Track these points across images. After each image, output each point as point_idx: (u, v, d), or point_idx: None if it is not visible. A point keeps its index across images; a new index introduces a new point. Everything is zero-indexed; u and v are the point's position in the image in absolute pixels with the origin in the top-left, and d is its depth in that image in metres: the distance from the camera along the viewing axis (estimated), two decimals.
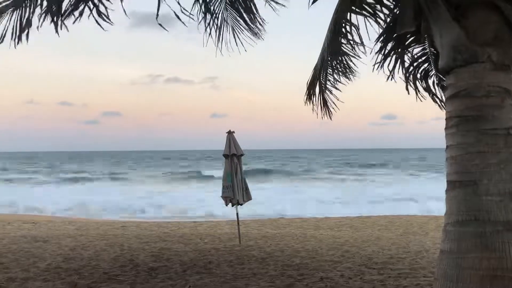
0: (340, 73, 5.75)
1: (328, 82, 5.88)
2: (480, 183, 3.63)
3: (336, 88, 5.88)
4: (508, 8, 3.67)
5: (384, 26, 5.11)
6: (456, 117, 3.79)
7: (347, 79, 5.78)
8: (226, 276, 7.21)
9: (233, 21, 6.58)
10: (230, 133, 10.57)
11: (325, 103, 6.01)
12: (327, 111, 6.09)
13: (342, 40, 5.26)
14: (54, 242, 10.60)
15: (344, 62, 5.59)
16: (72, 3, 5.08)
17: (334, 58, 5.54)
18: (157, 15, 4.94)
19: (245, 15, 6.48)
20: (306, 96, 6.02)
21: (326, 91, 5.94)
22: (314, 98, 6.01)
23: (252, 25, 6.51)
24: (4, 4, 5.14)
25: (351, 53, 5.49)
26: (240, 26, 6.59)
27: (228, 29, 6.56)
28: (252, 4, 6.44)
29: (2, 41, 5.17)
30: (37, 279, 7.05)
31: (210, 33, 6.11)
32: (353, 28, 5.08)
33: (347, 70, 5.69)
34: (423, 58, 5.68)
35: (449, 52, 3.81)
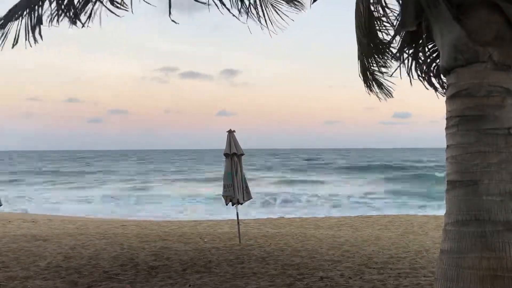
0: (381, 55, 5.80)
1: (375, 66, 5.95)
2: (481, 183, 3.62)
3: (384, 66, 5.94)
4: (509, 8, 3.66)
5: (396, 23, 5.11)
6: (457, 117, 3.78)
7: (390, 58, 5.82)
8: (226, 275, 7.21)
9: None
10: (230, 132, 10.58)
11: (380, 86, 6.13)
12: (385, 91, 6.22)
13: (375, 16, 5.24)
14: (54, 241, 10.60)
15: (381, 45, 5.62)
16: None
17: (371, 42, 5.56)
18: (170, 12, 4.88)
19: None
20: (365, 86, 6.14)
21: (377, 74, 6.04)
22: (370, 84, 6.12)
23: None
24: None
25: (383, 31, 5.49)
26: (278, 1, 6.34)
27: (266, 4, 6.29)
28: None
29: (16, 43, 5.22)
30: (37, 278, 7.05)
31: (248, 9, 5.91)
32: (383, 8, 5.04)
33: (386, 51, 5.74)
34: (435, 55, 5.65)
35: (450, 52, 3.81)
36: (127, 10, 4.90)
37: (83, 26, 5.13)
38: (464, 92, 3.75)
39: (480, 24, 3.73)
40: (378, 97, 6.23)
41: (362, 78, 6.04)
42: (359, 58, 5.87)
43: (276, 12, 6.20)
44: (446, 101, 3.99)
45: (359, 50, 5.77)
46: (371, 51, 5.71)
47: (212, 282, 6.76)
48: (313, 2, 4.84)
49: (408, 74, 5.68)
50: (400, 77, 5.57)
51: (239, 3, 5.80)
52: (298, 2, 6.32)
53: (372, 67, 5.96)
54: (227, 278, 7.01)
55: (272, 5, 6.34)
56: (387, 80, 6.12)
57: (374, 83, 6.14)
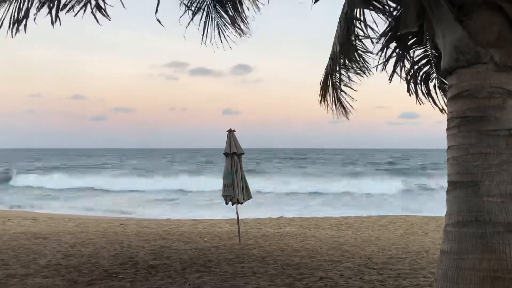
0: (353, 71, 5.74)
1: (342, 81, 5.86)
2: (481, 184, 3.62)
3: (349, 87, 5.84)
4: (511, 9, 3.66)
5: (386, 26, 5.10)
6: (458, 118, 3.78)
7: (360, 76, 5.75)
8: (226, 274, 7.21)
9: (218, 18, 6.75)
10: (230, 131, 10.59)
11: (339, 102, 6.01)
12: (342, 110, 6.07)
13: (352, 37, 5.23)
14: (54, 239, 10.61)
15: (355, 59, 5.55)
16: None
17: (345, 56, 5.51)
18: (156, 10, 4.96)
19: (230, 13, 6.69)
20: (320, 96, 6.02)
21: (340, 90, 5.93)
22: (328, 98, 6.01)
23: (236, 24, 6.73)
24: None
25: (361, 50, 5.45)
26: (226, 24, 6.76)
27: (213, 25, 6.73)
28: (238, 4, 6.59)
29: None
30: (37, 276, 7.05)
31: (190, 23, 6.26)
32: (362, 24, 5.03)
33: (359, 68, 5.67)
34: (424, 61, 5.66)
35: (452, 53, 3.81)
36: (109, 20, 5.04)
37: (72, 14, 5.14)
38: (466, 93, 3.75)
39: (482, 25, 3.73)
40: (331, 110, 6.05)
41: (320, 87, 5.94)
42: (326, 69, 5.80)
43: (219, 35, 6.69)
44: (447, 102, 4.00)
45: (330, 61, 5.69)
46: (344, 64, 5.63)
47: (211, 281, 6.76)
48: (314, 3, 4.85)
49: (408, 79, 5.69)
50: (402, 82, 5.58)
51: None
52: (241, 29, 6.74)
53: (340, 81, 5.84)
54: (226, 278, 7.01)
55: (218, 25, 6.77)
56: (346, 101, 5.98)
57: (335, 99, 5.98)
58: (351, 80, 5.77)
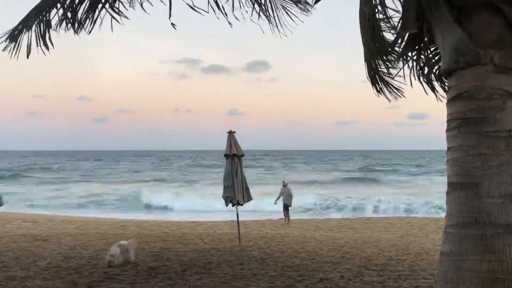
0: (386, 56, 5.84)
1: (385, 63, 5.98)
2: (481, 185, 3.62)
3: (393, 68, 5.98)
4: (510, 11, 3.66)
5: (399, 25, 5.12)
6: (458, 119, 3.78)
7: (396, 61, 5.85)
8: (226, 276, 7.20)
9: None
10: (230, 133, 10.59)
11: (389, 87, 6.18)
12: (396, 92, 6.22)
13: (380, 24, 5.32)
14: (54, 241, 10.61)
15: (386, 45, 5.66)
16: (86, 9, 5.19)
17: (376, 43, 5.59)
18: (170, 15, 4.96)
19: None
20: (373, 88, 6.15)
21: (384, 76, 6.08)
22: (378, 85, 6.13)
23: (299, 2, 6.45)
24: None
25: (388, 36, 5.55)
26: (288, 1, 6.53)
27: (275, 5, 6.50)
28: None
29: (30, 52, 5.44)
30: (37, 278, 7.05)
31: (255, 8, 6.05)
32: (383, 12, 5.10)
33: (391, 53, 5.78)
34: (437, 57, 5.66)
35: (451, 54, 3.81)
36: (127, 18, 5.08)
37: (89, 33, 5.27)
38: (465, 94, 3.75)
39: (482, 26, 3.73)
40: (387, 98, 6.22)
41: (369, 80, 6.05)
42: (365, 60, 5.87)
43: (287, 13, 6.42)
44: (447, 103, 4.00)
45: (365, 51, 5.78)
46: (376, 52, 5.73)
47: (211, 283, 6.75)
48: (315, 3, 4.86)
49: (410, 77, 5.69)
50: (404, 80, 5.60)
51: (253, 4, 5.95)
52: (305, 2, 6.49)
53: (380, 68, 5.97)
54: (226, 279, 7.00)
55: (282, 6, 6.48)
56: (397, 81, 6.12)
57: (382, 84, 6.14)
58: (393, 62, 5.87)
